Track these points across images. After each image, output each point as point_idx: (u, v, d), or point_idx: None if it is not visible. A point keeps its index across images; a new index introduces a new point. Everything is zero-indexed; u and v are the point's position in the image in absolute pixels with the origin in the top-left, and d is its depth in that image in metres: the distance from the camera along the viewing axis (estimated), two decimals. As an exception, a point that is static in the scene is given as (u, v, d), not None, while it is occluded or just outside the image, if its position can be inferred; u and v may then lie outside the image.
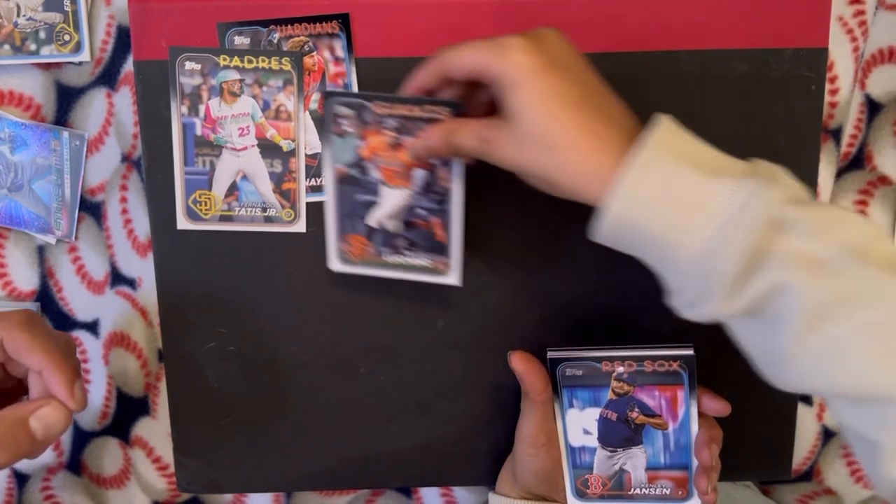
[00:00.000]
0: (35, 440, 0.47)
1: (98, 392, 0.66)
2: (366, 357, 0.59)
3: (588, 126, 0.41)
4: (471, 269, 0.57)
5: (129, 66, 0.60)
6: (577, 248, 0.57)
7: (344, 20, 0.53)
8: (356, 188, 0.52)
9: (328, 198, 0.53)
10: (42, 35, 0.60)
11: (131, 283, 0.64)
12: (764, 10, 0.54)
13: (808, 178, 0.57)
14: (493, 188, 0.56)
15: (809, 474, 0.68)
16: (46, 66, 0.61)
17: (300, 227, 0.56)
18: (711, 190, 0.39)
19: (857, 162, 0.63)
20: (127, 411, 0.66)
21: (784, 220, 0.39)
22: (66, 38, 0.60)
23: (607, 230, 0.42)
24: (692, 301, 0.41)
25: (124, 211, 0.63)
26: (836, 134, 0.62)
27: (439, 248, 0.53)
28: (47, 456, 0.67)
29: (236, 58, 0.54)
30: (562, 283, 0.57)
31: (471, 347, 0.58)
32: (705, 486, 0.51)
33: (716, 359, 0.52)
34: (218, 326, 0.58)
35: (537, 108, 0.41)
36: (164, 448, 0.66)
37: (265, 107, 0.55)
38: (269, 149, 0.56)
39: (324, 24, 0.53)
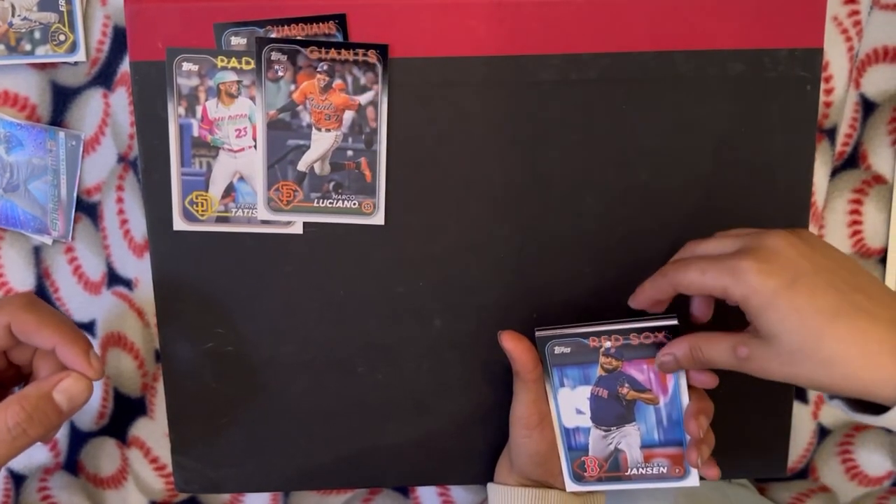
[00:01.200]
0: (61, 412, 0.49)
1: (95, 392, 0.66)
2: (363, 356, 0.59)
3: (853, 334, 0.40)
4: (468, 269, 0.57)
5: (125, 67, 0.60)
6: (573, 248, 0.57)
7: (341, 21, 0.53)
8: (287, 133, 0.54)
9: (259, 146, 0.54)
10: (37, 35, 0.60)
11: (128, 283, 0.64)
12: (759, 10, 0.54)
13: (803, 177, 0.57)
14: (488, 189, 0.56)
15: (805, 472, 0.68)
16: (42, 67, 0.61)
17: (297, 228, 0.56)
18: None
19: (851, 161, 0.64)
20: (124, 412, 0.66)
21: None
22: (62, 38, 0.60)
23: (890, 423, 0.42)
24: None
25: (121, 211, 0.63)
26: (831, 133, 0.62)
27: (367, 189, 0.55)
28: (44, 456, 0.67)
29: (234, 59, 0.54)
30: (558, 282, 0.58)
31: (468, 346, 0.58)
32: (696, 459, 0.51)
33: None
34: (215, 327, 0.58)
35: (794, 327, 0.41)
36: (162, 448, 0.66)
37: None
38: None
39: (321, 24, 0.53)
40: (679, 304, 0.50)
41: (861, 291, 0.42)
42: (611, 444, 0.55)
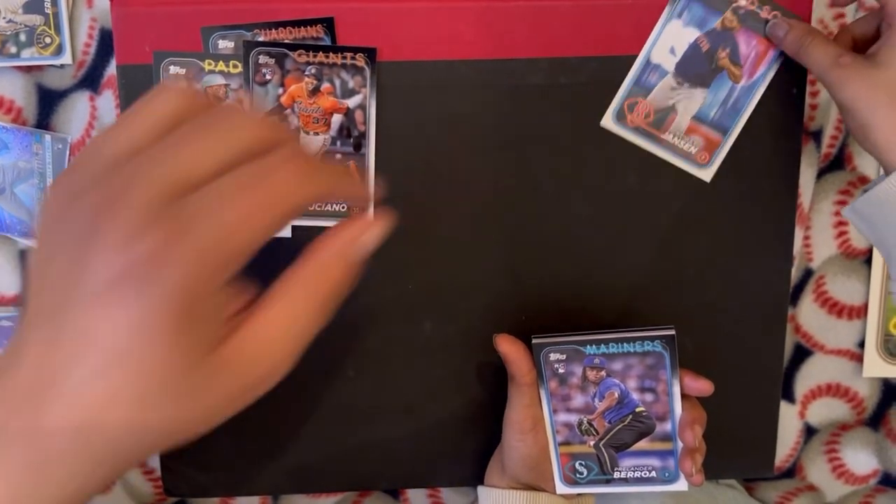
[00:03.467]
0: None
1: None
2: (353, 359, 0.59)
3: None
4: (457, 272, 0.57)
5: (111, 70, 0.60)
6: (562, 250, 0.57)
7: (329, 24, 0.53)
8: None
9: None
10: (23, 38, 0.60)
11: (115, 287, 0.63)
12: (746, 14, 0.54)
13: (790, 179, 0.57)
14: (477, 192, 0.56)
15: (792, 471, 0.69)
16: (28, 69, 0.61)
17: (286, 231, 0.56)
18: None
19: (837, 163, 0.64)
20: (112, 416, 0.66)
21: None
22: (48, 40, 0.60)
23: (883, 194, 0.47)
24: None
25: (108, 215, 0.62)
26: (817, 135, 0.62)
27: None
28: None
29: (221, 62, 0.54)
30: (547, 285, 0.58)
31: (458, 349, 0.59)
32: (690, 468, 0.52)
33: (700, 359, 0.53)
34: (204, 331, 0.58)
35: None
36: (150, 452, 0.65)
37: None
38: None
39: (308, 28, 0.53)
40: (680, 336, 0.50)
41: None
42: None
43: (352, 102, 0.54)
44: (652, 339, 0.51)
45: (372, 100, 0.54)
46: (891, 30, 0.47)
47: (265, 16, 0.53)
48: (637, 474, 0.55)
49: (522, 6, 0.53)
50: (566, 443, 0.55)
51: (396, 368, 0.59)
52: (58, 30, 0.60)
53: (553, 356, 0.53)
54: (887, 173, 0.47)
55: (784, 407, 0.66)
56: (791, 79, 0.55)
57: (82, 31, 0.60)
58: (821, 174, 0.64)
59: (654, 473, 0.55)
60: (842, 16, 0.60)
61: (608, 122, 0.55)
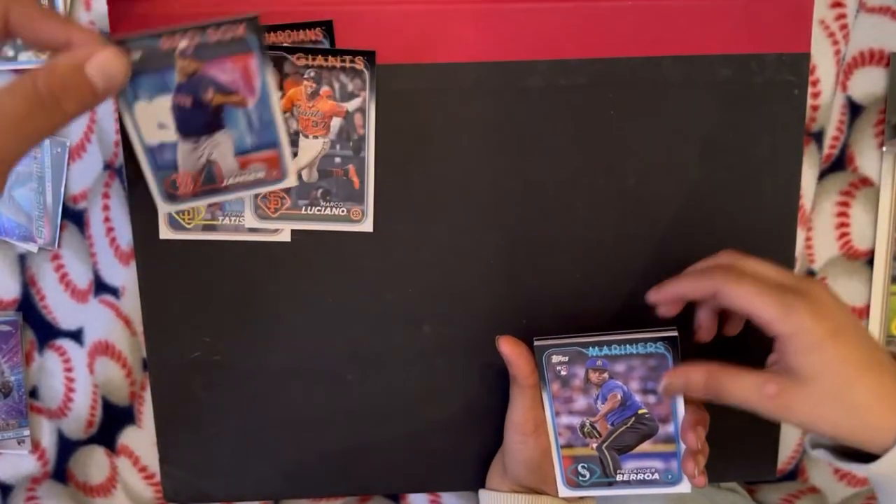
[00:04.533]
0: (96, 92, 0.42)
1: (83, 401, 0.66)
2: (352, 364, 0.58)
3: (880, 387, 0.44)
4: (456, 275, 0.57)
5: (110, 73, 0.60)
6: (562, 253, 0.57)
7: (328, 27, 0.52)
8: None
9: None
10: (19, 41, 0.59)
11: (114, 291, 0.63)
12: (746, 15, 0.54)
13: (791, 180, 0.57)
14: (476, 195, 0.56)
15: (794, 473, 0.68)
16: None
17: (285, 235, 0.56)
18: None
19: (839, 164, 0.64)
20: (113, 420, 0.66)
21: None
22: (46, 44, 0.60)
23: (879, 471, 0.45)
24: None
25: (107, 219, 0.62)
26: (819, 137, 0.62)
27: (354, 196, 0.55)
28: (32, 465, 0.67)
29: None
30: (547, 288, 0.58)
31: (457, 353, 0.58)
32: (692, 470, 0.52)
33: (702, 359, 0.52)
34: (203, 336, 0.57)
35: (835, 371, 0.44)
36: (151, 457, 0.65)
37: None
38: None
39: (307, 31, 0.53)
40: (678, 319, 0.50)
41: (879, 353, 0.45)
42: (202, 156, 0.52)
43: (351, 106, 0.54)
44: (655, 340, 0.51)
45: (371, 103, 0.54)
46: (780, 340, 0.45)
47: (264, 19, 0.52)
48: (640, 476, 0.55)
49: (522, 8, 0.53)
50: (568, 445, 0.55)
51: (396, 372, 0.59)
52: (56, 33, 0.60)
53: (555, 358, 0.53)
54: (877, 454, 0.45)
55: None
56: (792, 80, 0.55)
57: (80, 35, 0.60)
58: (822, 175, 0.64)
59: (656, 476, 0.54)
60: (843, 16, 0.60)
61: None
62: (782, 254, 0.58)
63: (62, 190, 0.62)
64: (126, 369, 0.64)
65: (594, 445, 0.54)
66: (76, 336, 0.65)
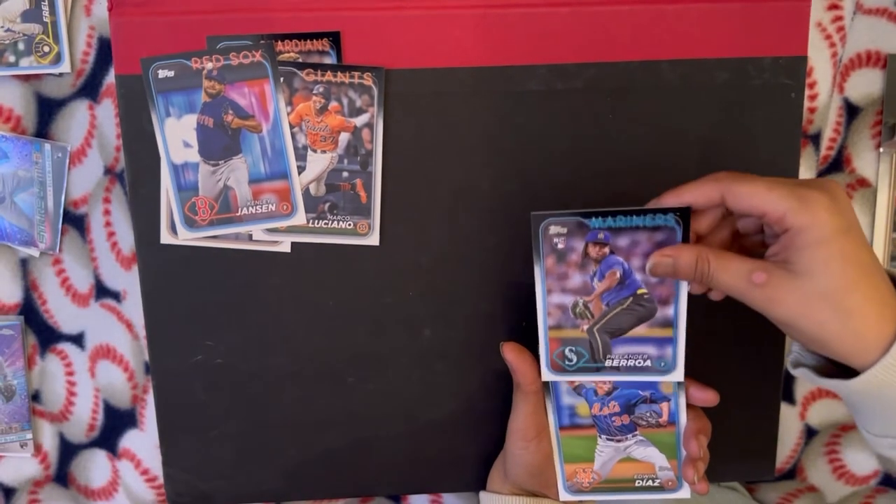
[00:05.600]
0: None
1: (85, 404, 0.66)
2: (353, 367, 0.59)
3: (878, 295, 0.42)
4: (456, 278, 0.57)
5: (111, 78, 0.60)
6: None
7: (335, 38, 0.53)
8: None
9: None
10: (21, 46, 0.60)
11: (116, 295, 0.64)
12: (743, 19, 0.54)
13: (789, 183, 0.57)
14: (476, 199, 0.56)
15: (793, 472, 0.69)
16: (26, 78, 0.61)
17: (285, 246, 0.56)
18: None
19: (836, 165, 0.64)
20: (114, 424, 0.66)
21: None
22: (46, 49, 0.60)
23: (859, 388, 0.43)
24: None
25: (108, 223, 0.62)
26: (816, 139, 0.62)
27: (361, 210, 0.55)
28: (34, 468, 0.67)
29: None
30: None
31: (458, 356, 0.59)
32: (692, 476, 0.52)
33: (700, 362, 0.53)
34: (205, 339, 0.58)
35: (839, 270, 0.41)
36: (152, 460, 0.66)
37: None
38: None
39: (314, 41, 0.53)
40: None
41: (877, 259, 0.43)
42: (220, 180, 0.53)
43: (359, 121, 0.54)
44: (665, 211, 0.47)
45: (379, 118, 0.54)
46: (788, 234, 0.42)
47: (269, 26, 0.52)
48: (631, 363, 0.51)
49: (520, 13, 0.53)
50: (557, 326, 0.51)
51: (397, 375, 0.59)
52: (56, 38, 0.60)
53: (553, 229, 0.48)
54: (858, 369, 0.43)
55: (784, 408, 0.66)
56: (789, 83, 0.55)
57: (81, 40, 0.60)
58: (820, 176, 0.64)
59: (648, 362, 0.51)
60: (840, 18, 0.60)
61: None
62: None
63: (63, 195, 0.62)
64: (128, 373, 0.64)
65: (585, 327, 0.51)
66: (77, 340, 0.65)
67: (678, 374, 0.51)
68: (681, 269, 0.45)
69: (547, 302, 0.50)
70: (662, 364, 0.51)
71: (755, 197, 0.43)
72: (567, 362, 0.52)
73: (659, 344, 0.50)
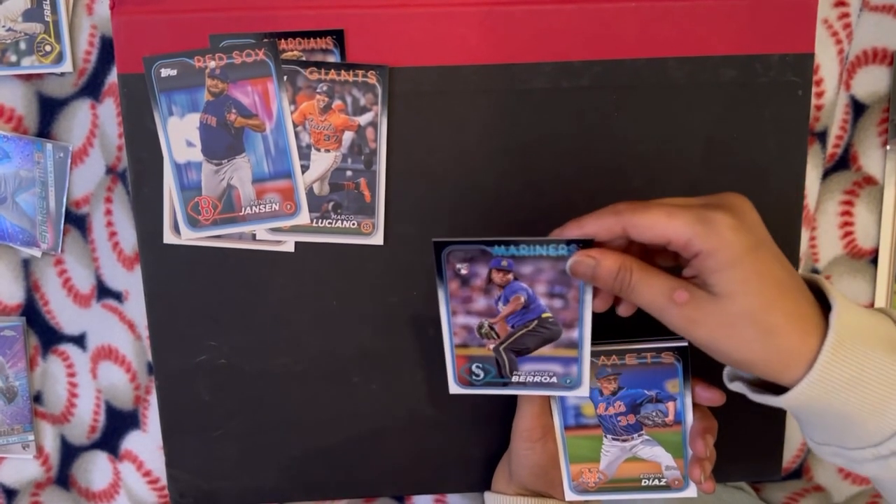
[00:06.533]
0: None
1: (87, 406, 0.66)
2: (358, 367, 0.58)
3: (797, 309, 0.41)
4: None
5: (113, 77, 0.60)
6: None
7: (338, 36, 0.52)
8: None
9: None
10: (22, 46, 0.59)
11: (118, 296, 0.63)
12: (750, 16, 0.54)
13: (795, 180, 0.57)
14: (481, 197, 0.56)
15: (799, 472, 0.68)
16: (28, 78, 0.60)
17: (289, 245, 0.56)
18: None
19: (842, 163, 0.64)
20: (116, 425, 0.66)
21: None
22: (48, 48, 0.60)
23: (789, 403, 0.42)
24: (854, 459, 0.43)
25: (109, 223, 0.62)
26: (822, 136, 0.62)
27: (365, 209, 0.55)
28: (36, 470, 0.67)
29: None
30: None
31: (463, 355, 0.58)
32: (699, 476, 0.52)
33: (706, 362, 0.52)
34: (208, 339, 0.57)
35: (757, 289, 0.41)
36: (155, 461, 0.65)
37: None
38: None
39: (318, 39, 0.52)
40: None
41: (793, 270, 0.43)
42: (223, 179, 0.53)
43: (363, 120, 0.54)
44: (567, 242, 0.47)
45: (383, 117, 0.54)
46: (699, 259, 0.41)
47: (272, 24, 0.52)
48: (537, 379, 0.51)
49: (525, 10, 0.53)
50: (464, 345, 0.51)
51: (401, 375, 0.59)
52: (58, 38, 0.60)
53: (456, 255, 0.48)
54: (786, 386, 0.42)
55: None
56: (796, 80, 0.55)
57: (83, 39, 0.60)
58: (826, 174, 0.64)
59: (554, 379, 0.51)
60: (846, 15, 0.60)
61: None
62: (786, 253, 0.57)
63: (65, 195, 0.62)
64: (130, 374, 0.64)
65: (491, 346, 0.51)
66: (79, 341, 0.65)
67: (584, 390, 0.51)
68: (601, 274, 0.44)
69: (452, 322, 0.51)
70: (568, 381, 0.51)
71: (656, 227, 0.42)
72: (474, 377, 0.52)
73: (565, 363, 0.51)
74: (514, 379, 0.52)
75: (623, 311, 0.48)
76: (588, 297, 0.49)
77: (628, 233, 0.43)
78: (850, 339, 0.41)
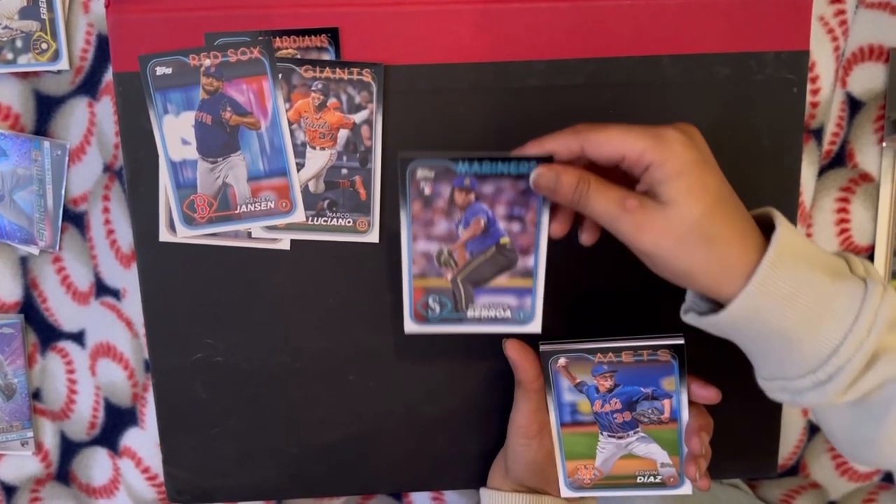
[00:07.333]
0: None
1: (86, 402, 0.66)
2: (354, 364, 0.59)
3: (739, 223, 0.43)
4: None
5: (110, 75, 0.60)
6: (563, 254, 0.57)
7: (333, 34, 0.52)
8: None
9: None
10: (19, 44, 0.59)
11: (116, 293, 0.63)
12: (745, 13, 0.54)
13: (791, 178, 0.57)
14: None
15: (795, 469, 0.69)
16: (24, 75, 0.61)
17: (284, 243, 0.56)
18: (838, 291, 0.42)
19: (838, 160, 0.64)
20: (115, 422, 0.66)
21: None
22: (44, 46, 0.60)
23: (728, 321, 0.44)
24: (796, 389, 0.44)
25: (107, 221, 0.62)
26: (818, 133, 0.62)
27: (361, 207, 0.55)
28: (35, 466, 0.67)
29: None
30: (550, 287, 0.57)
31: (459, 353, 0.58)
32: (694, 473, 0.52)
33: (701, 359, 0.52)
34: (205, 337, 0.58)
35: (702, 198, 0.42)
36: (153, 458, 0.66)
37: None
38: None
39: (312, 37, 0.53)
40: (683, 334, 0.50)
41: (733, 192, 0.45)
42: (218, 177, 0.54)
43: (358, 118, 0.54)
44: (528, 159, 0.47)
45: (378, 115, 0.54)
46: (650, 171, 0.43)
47: (267, 22, 0.52)
48: (492, 313, 0.52)
49: (519, 8, 0.53)
50: (422, 275, 0.51)
51: (398, 372, 0.59)
52: (54, 35, 0.60)
53: (420, 172, 0.48)
54: (722, 302, 0.44)
55: (787, 405, 0.66)
56: (791, 78, 0.55)
57: (79, 37, 0.60)
58: (822, 171, 0.64)
59: (508, 313, 0.52)
60: (842, 12, 0.60)
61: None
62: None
63: (62, 192, 0.62)
64: (128, 371, 0.64)
65: (449, 277, 0.51)
66: (78, 338, 0.65)
67: (535, 326, 0.51)
68: (562, 186, 0.45)
69: (413, 250, 0.50)
70: (521, 315, 0.51)
71: (612, 142, 0.44)
72: (430, 312, 0.52)
73: (519, 294, 0.51)
74: (470, 314, 0.52)
75: (585, 238, 0.50)
76: (545, 219, 0.49)
77: (586, 150, 0.45)
78: (789, 256, 0.42)
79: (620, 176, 0.45)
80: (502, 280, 0.51)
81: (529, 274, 0.51)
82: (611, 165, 0.45)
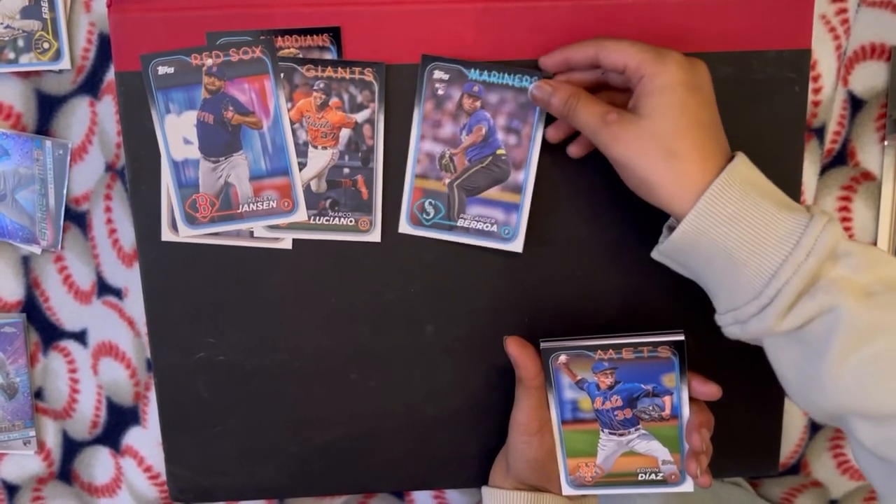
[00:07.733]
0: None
1: (88, 401, 0.66)
2: (355, 363, 0.59)
3: (706, 146, 0.46)
4: (458, 275, 0.57)
5: (111, 75, 0.60)
6: (563, 252, 0.57)
7: (335, 34, 0.52)
8: None
9: None
10: (20, 43, 0.59)
11: (118, 293, 0.63)
12: (747, 12, 0.54)
13: (793, 177, 0.57)
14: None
15: (797, 467, 0.69)
16: (26, 75, 0.61)
17: (286, 243, 0.56)
18: (784, 219, 0.44)
19: (840, 158, 0.64)
20: (117, 421, 0.66)
21: (840, 252, 0.44)
22: (46, 45, 0.60)
23: (679, 240, 0.46)
24: (743, 318, 0.46)
25: (109, 220, 0.62)
26: (820, 132, 0.62)
27: (363, 207, 0.55)
28: (38, 465, 0.67)
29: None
30: (549, 287, 0.58)
31: (460, 352, 0.59)
32: (695, 470, 0.52)
33: (703, 357, 0.53)
34: (206, 336, 0.58)
35: (674, 116, 0.45)
36: (155, 457, 0.66)
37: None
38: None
39: (314, 36, 0.53)
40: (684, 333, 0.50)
41: (718, 129, 0.47)
42: (220, 177, 0.54)
43: (360, 117, 0.54)
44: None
45: (380, 114, 0.54)
46: (641, 82, 0.46)
47: (269, 21, 0.52)
48: (479, 225, 0.55)
49: (521, 7, 0.53)
50: (423, 175, 0.55)
51: (399, 371, 0.59)
52: (56, 35, 0.60)
53: (437, 74, 0.53)
54: (677, 221, 0.46)
55: (788, 403, 0.66)
56: (793, 77, 0.55)
57: (81, 36, 0.60)
58: (824, 170, 0.64)
59: (494, 227, 0.55)
60: (844, 11, 0.60)
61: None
62: (784, 250, 0.58)
63: (64, 192, 0.62)
64: (130, 370, 0.65)
65: (446, 181, 0.55)
66: (80, 337, 0.65)
67: (518, 245, 0.55)
68: (554, 99, 0.50)
69: (420, 147, 0.54)
70: (506, 231, 0.55)
71: (620, 50, 0.47)
72: (425, 215, 0.55)
73: (507, 209, 0.55)
74: (460, 223, 0.55)
75: (573, 150, 0.54)
76: (538, 135, 0.54)
77: (599, 57, 0.49)
78: (740, 181, 0.45)
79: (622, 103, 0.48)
80: (493, 192, 0.55)
81: (519, 189, 0.54)
82: (618, 72, 0.48)
